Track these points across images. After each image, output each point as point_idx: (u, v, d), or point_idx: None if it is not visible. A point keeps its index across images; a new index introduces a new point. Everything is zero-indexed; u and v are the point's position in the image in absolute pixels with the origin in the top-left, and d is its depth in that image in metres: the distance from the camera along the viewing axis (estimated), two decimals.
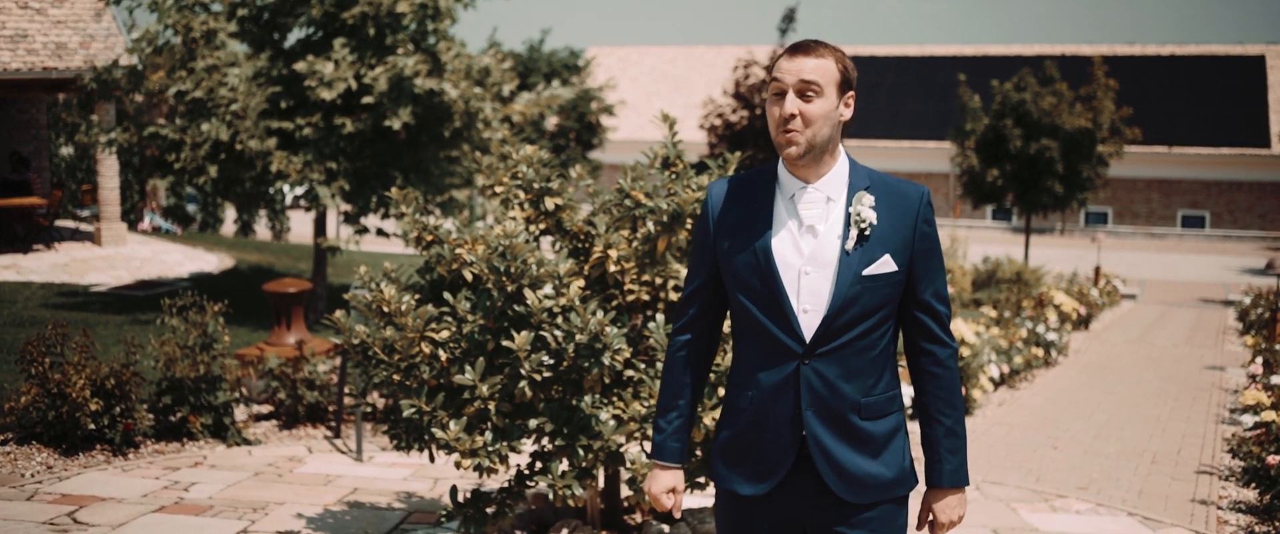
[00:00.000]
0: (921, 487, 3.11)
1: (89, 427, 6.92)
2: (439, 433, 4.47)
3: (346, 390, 7.84)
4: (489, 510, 4.85)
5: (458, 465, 4.53)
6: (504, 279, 4.49)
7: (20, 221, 16.47)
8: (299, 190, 12.74)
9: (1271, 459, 6.85)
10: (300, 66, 11.64)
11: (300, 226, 32.52)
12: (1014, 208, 25.60)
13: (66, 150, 27.21)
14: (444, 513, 4.85)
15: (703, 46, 50.71)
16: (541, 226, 4.90)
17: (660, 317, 4.49)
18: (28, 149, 18.85)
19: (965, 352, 10.48)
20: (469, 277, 4.62)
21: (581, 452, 4.48)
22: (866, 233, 2.76)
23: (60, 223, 20.33)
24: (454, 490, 4.84)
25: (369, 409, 8.02)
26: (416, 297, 4.72)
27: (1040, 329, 13.54)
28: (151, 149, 12.46)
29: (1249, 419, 8.57)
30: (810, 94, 2.72)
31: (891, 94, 44.73)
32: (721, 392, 4.49)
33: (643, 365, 4.57)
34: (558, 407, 4.52)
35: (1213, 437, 9.31)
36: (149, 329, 9.17)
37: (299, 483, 6.66)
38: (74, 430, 6.88)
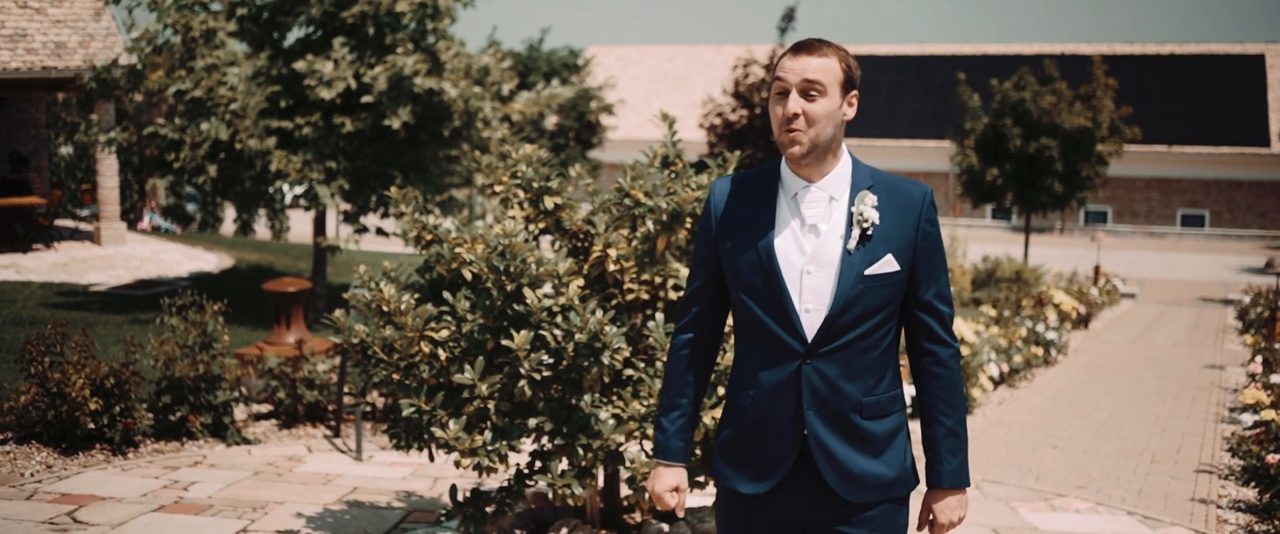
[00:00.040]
0: (923, 487, 3.11)
1: (88, 426, 6.92)
2: (438, 432, 4.47)
3: (346, 390, 7.84)
4: (489, 509, 4.85)
5: (457, 465, 4.53)
6: (503, 278, 4.49)
7: (20, 221, 16.47)
8: (298, 190, 12.74)
9: (1271, 458, 6.85)
10: (300, 66, 11.64)
11: (300, 226, 32.52)
12: (1013, 207, 25.61)
13: (66, 150, 27.21)
14: (444, 512, 4.85)
15: (702, 46, 50.71)
16: (541, 226, 4.90)
17: (660, 316, 4.49)
18: (27, 148, 18.86)
19: (965, 351, 10.49)
20: (468, 276, 4.62)
21: (581, 451, 4.48)
22: (869, 232, 2.76)
23: (60, 222, 20.33)
24: (453, 490, 4.84)
25: (368, 408, 8.02)
26: (416, 296, 4.72)
27: (1040, 328, 13.55)
28: (151, 148, 12.46)
29: (1248, 418, 8.57)
30: (814, 93, 2.72)
31: (891, 93, 44.75)
32: (721, 391, 4.49)
33: (642, 364, 4.57)
34: (557, 406, 4.52)
35: (1212, 435, 9.31)
36: (148, 328, 9.17)
37: (298, 482, 6.66)
38: (73, 430, 6.88)
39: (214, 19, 11.85)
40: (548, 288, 4.44)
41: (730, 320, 3.09)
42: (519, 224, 4.60)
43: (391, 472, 7.00)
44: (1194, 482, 7.69)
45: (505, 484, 4.88)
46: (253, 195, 12.71)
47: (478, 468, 4.51)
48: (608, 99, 36.37)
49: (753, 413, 2.85)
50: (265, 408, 8.27)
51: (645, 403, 4.51)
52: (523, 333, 4.34)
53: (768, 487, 2.84)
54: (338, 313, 4.78)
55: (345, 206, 13.12)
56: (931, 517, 2.93)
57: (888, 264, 2.77)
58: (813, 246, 2.77)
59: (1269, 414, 7.64)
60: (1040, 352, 13.02)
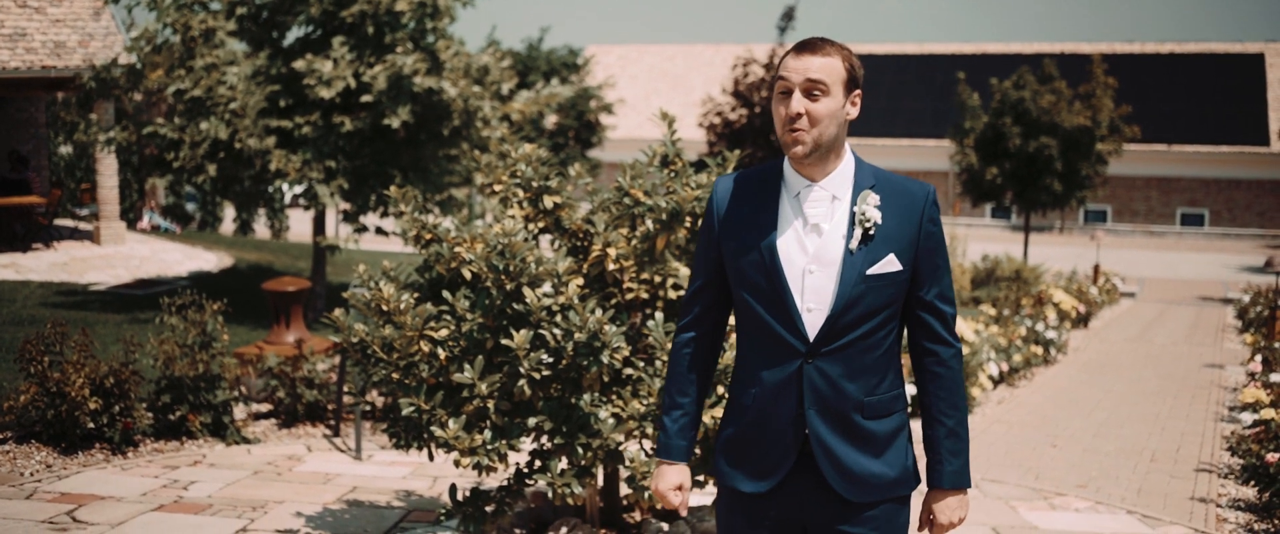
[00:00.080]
0: (924, 487, 3.10)
1: (88, 425, 6.92)
2: (438, 431, 4.47)
3: (345, 389, 7.84)
4: (488, 509, 4.85)
5: (457, 464, 4.53)
6: (503, 277, 4.49)
7: (19, 220, 16.47)
8: (298, 189, 12.74)
9: (1270, 457, 6.86)
10: (299, 65, 11.64)
11: (299, 225, 32.52)
12: (1013, 206, 25.61)
13: (65, 149, 27.21)
14: (443, 511, 4.85)
15: (702, 45, 50.70)
16: (540, 225, 4.90)
17: (659, 315, 4.49)
18: (27, 148, 18.85)
19: (964, 349, 10.49)
20: (468, 275, 4.62)
21: (580, 450, 4.48)
22: (871, 232, 2.75)
23: (59, 222, 20.32)
24: (453, 489, 4.84)
25: (368, 408, 8.02)
26: (415, 295, 4.72)
27: (1039, 327, 13.55)
28: (150, 148, 12.45)
29: (1248, 417, 8.57)
30: (817, 93, 2.71)
31: (890, 92, 44.74)
32: (720, 390, 4.49)
33: (641, 364, 4.57)
34: (557, 405, 4.52)
35: (1212, 434, 9.31)
36: (148, 328, 9.17)
37: (298, 481, 6.66)
38: (73, 429, 6.88)
39: (213, 18, 11.85)
40: (547, 287, 4.44)
41: (732, 319, 3.08)
42: (518, 223, 4.60)
43: (391, 471, 6.99)
44: (1193, 480, 7.69)
45: (505, 483, 4.88)
46: (252, 195, 12.71)
47: (477, 467, 4.51)
48: (607, 98, 36.38)
49: (754, 412, 2.84)
50: (265, 407, 8.27)
51: (645, 402, 4.51)
52: (522, 332, 4.34)
53: (768, 486, 2.84)
54: (337, 312, 4.78)
55: (345, 206, 13.12)
56: (931, 517, 2.93)
57: (890, 264, 2.76)
58: (815, 246, 2.77)
59: (1268, 413, 7.64)
60: (1040, 351, 13.03)
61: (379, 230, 12.73)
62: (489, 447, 4.49)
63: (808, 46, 2.74)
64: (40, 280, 14.27)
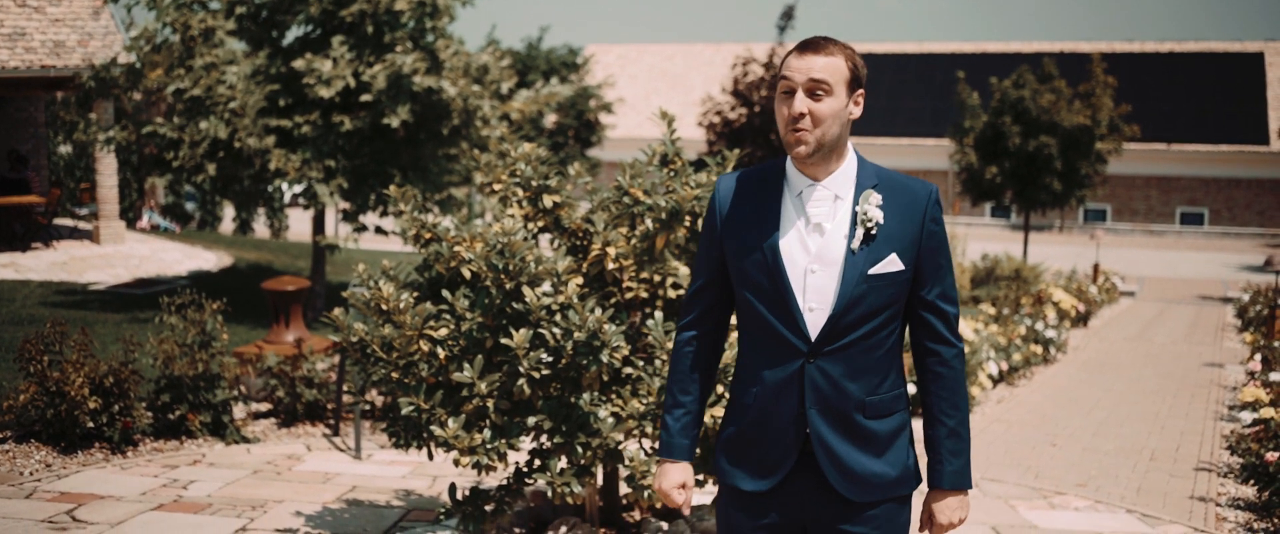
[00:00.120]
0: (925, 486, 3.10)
1: (88, 425, 6.92)
2: (438, 431, 4.47)
3: (345, 388, 7.84)
4: (488, 508, 4.85)
5: (456, 463, 4.53)
6: (502, 277, 4.49)
7: (19, 220, 16.47)
8: (297, 188, 12.73)
9: (1270, 456, 6.86)
10: (299, 64, 11.64)
11: (299, 225, 32.51)
12: (1013, 205, 25.60)
13: (65, 148, 27.21)
14: (443, 510, 4.85)
15: (701, 44, 50.68)
16: (540, 224, 4.90)
17: (659, 314, 4.49)
18: (26, 147, 18.85)
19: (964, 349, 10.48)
20: (467, 274, 4.62)
21: (580, 449, 4.48)
22: (873, 232, 2.75)
23: (59, 221, 20.32)
24: (453, 488, 4.84)
25: (367, 407, 8.02)
26: (415, 294, 4.72)
27: (1039, 326, 13.55)
28: (150, 147, 12.45)
29: (1248, 416, 8.57)
30: (820, 93, 2.70)
31: (890, 91, 44.74)
32: (719, 389, 4.49)
33: (641, 363, 4.57)
34: (556, 404, 4.52)
35: (1211, 433, 9.32)
36: (147, 327, 9.16)
37: (298, 481, 6.66)
38: (73, 428, 6.88)
39: (213, 17, 11.85)
40: (547, 286, 4.44)
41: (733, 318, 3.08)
42: (518, 222, 4.60)
43: (390, 470, 6.99)
44: (1193, 479, 7.69)
45: (504, 483, 4.88)
46: (252, 194, 12.71)
47: (477, 466, 4.50)
48: (607, 97, 36.35)
49: (755, 411, 2.84)
50: (264, 407, 8.27)
51: (644, 401, 4.51)
52: (522, 331, 4.33)
53: (769, 484, 2.84)
54: (337, 311, 4.78)
55: (344, 205, 13.12)
56: (931, 517, 2.93)
57: (892, 263, 2.76)
58: (817, 245, 2.76)
59: (1268, 412, 7.64)
60: (1039, 350, 13.03)
61: (378, 230, 12.72)
62: (488, 446, 4.49)
63: (811, 46, 2.73)
64: (40, 280, 14.27)
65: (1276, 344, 11.77)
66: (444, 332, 4.56)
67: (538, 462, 4.71)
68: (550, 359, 4.40)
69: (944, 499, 2.90)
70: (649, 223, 4.54)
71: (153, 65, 11.73)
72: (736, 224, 2.84)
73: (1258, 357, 11.54)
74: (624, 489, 5.45)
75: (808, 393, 2.77)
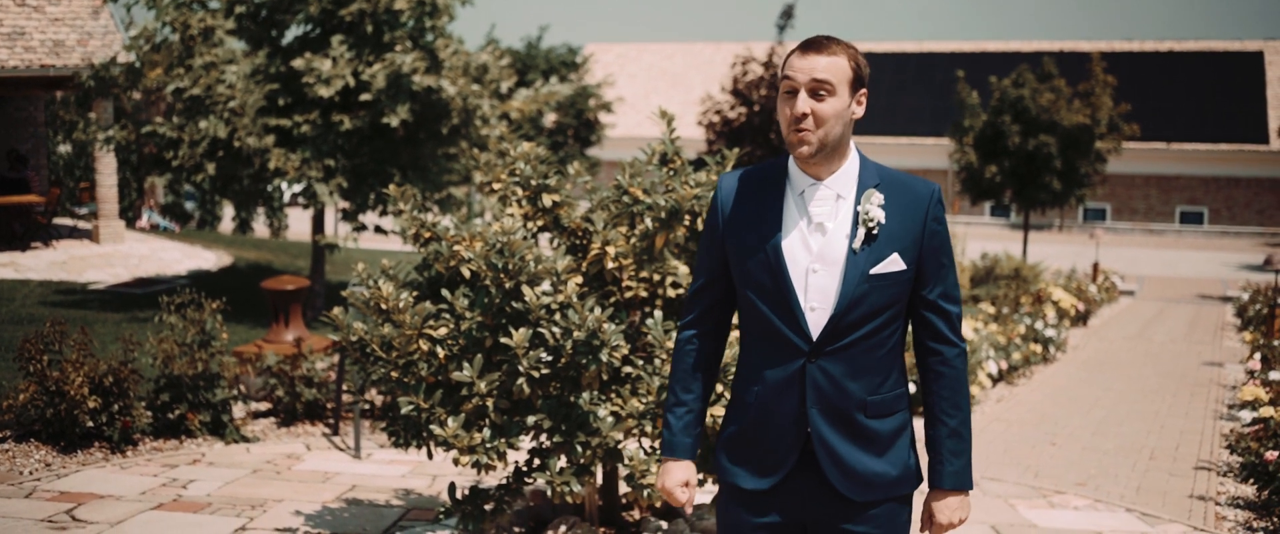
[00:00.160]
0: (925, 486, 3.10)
1: (87, 424, 6.92)
2: (437, 430, 4.47)
3: (345, 388, 7.83)
4: (487, 507, 4.85)
5: (456, 462, 4.53)
6: (502, 276, 4.49)
7: (18, 219, 16.46)
8: (297, 188, 12.73)
9: (1270, 455, 6.86)
10: (298, 64, 11.63)
11: (298, 224, 32.50)
12: (1012, 204, 25.58)
13: (64, 148, 27.20)
14: (442, 510, 4.85)
15: (701, 43, 50.67)
16: (539, 223, 4.90)
17: (658, 313, 4.49)
18: (26, 147, 18.85)
19: None
20: (467, 273, 4.62)
21: (580, 448, 4.48)
22: (874, 231, 2.74)
23: (58, 220, 20.31)
24: (452, 487, 4.84)
25: (367, 406, 8.02)
26: (414, 294, 4.72)
27: (1038, 325, 13.55)
28: (149, 147, 12.45)
29: (1247, 415, 8.57)
30: (822, 93, 2.69)
31: (890, 90, 44.74)
32: (719, 388, 4.49)
33: (640, 362, 4.57)
34: (556, 403, 4.52)
35: (1211, 432, 9.32)
36: (147, 327, 9.16)
37: (297, 480, 6.66)
38: (72, 428, 6.88)
39: (212, 17, 11.84)
40: (546, 285, 4.44)
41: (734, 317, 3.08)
42: (517, 222, 4.60)
43: (390, 469, 6.99)
44: (1193, 478, 7.69)
45: (504, 482, 4.88)
46: (251, 193, 12.71)
47: (476, 466, 4.50)
48: (606, 97, 36.33)
49: (757, 410, 2.84)
50: (264, 406, 8.27)
51: (644, 400, 4.51)
52: (521, 330, 4.33)
53: (770, 483, 2.84)
54: (336, 311, 4.78)
55: (343, 204, 13.12)
56: (932, 517, 2.92)
57: (894, 263, 2.75)
58: (819, 245, 2.76)
59: (1268, 411, 7.64)
60: (1039, 349, 13.03)
61: (378, 229, 12.72)
62: (488, 445, 4.49)
63: (813, 46, 2.72)
64: (39, 279, 14.26)
65: (1276, 343, 11.78)
66: (443, 331, 4.56)
67: (537, 461, 4.71)
68: (550, 358, 4.40)
69: (945, 499, 2.89)
70: (648, 222, 4.54)
71: (152, 65, 11.72)
72: (739, 223, 2.84)
73: (1257, 355, 11.54)
74: (624, 488, 5.45)
75: (809, 392, 2.77)
